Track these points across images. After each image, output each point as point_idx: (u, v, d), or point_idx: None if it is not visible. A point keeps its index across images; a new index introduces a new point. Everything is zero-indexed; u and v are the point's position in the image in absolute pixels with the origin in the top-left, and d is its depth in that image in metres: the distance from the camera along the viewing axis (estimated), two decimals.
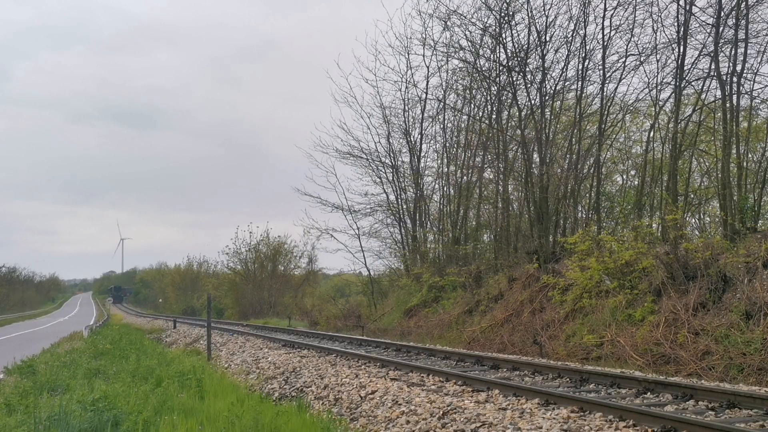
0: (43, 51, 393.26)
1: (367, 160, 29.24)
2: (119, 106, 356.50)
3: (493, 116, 23.55)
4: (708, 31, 16.49)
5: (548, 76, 20.38)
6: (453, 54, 24.10)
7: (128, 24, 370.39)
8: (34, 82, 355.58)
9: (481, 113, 25.00)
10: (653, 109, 18.85)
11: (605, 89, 19.10)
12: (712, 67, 16.27)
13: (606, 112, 19.21)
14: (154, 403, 7.58)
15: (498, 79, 22.58)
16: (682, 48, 16.68)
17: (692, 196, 19.66)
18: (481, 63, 23.35)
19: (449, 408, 7.63)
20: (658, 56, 18.04)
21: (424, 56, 30.78)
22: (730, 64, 15.73)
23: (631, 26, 18.35)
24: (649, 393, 8.37)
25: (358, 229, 29.93)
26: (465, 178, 25.39)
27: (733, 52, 15.65)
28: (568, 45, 19.86)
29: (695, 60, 17.11)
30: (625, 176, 23.55)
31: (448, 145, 26.80)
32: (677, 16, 16.83)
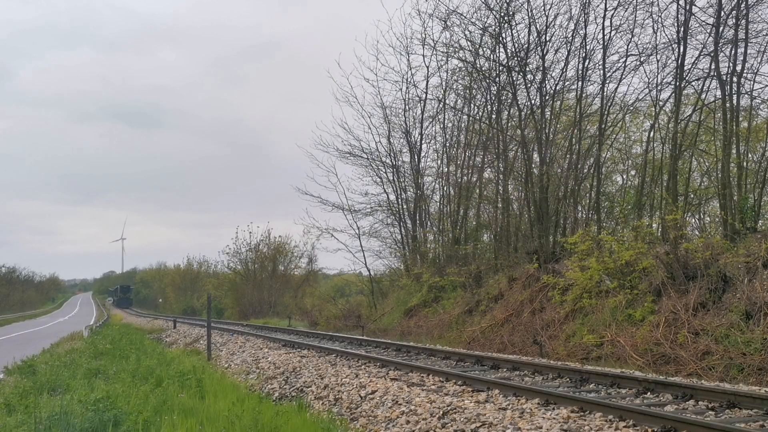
0: (47, 50, 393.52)
1: (368, 159, 29.29)
2: (122, 106, 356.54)
3: (493, 116, 23.55)
4: (708, 31, 16.50)
5: (548, 76, 20.40)
6: (453, 54, 24.12)
7: (133, 23, 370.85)
8: (38, 82, 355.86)
9: (481, 113, 25.02)
10: (653, 109, 18.86)
11: (605, 89, 19.12)
12: (712, 67, 16.28)
13: (606, 112, 19.21)
14: (154, 403, 7.57)
15: (498, 79, 22.58)
16: (682, 48, 16.69)
17: (692, 196, 19.65)
18: (481, 63, 23.36)
19: (449, 408, 7.63)
20: (658, 56, 18.07)
21: (424, 56, 30.92)
22: (730, 64, 15.74)
23: (631, 26, 18.40)
24: (649, 393, 8.38)
25: (358, 228, 29.98)
26: (465, 178, 25.40)
27: (733, 52, 15.65)
28: (568, 45, 19.88)
29: (695, 60, 17.13)
30: (625, 176, 23.61)
31: (448, 145, 26.84)
32: (677, 16, 16.84)
